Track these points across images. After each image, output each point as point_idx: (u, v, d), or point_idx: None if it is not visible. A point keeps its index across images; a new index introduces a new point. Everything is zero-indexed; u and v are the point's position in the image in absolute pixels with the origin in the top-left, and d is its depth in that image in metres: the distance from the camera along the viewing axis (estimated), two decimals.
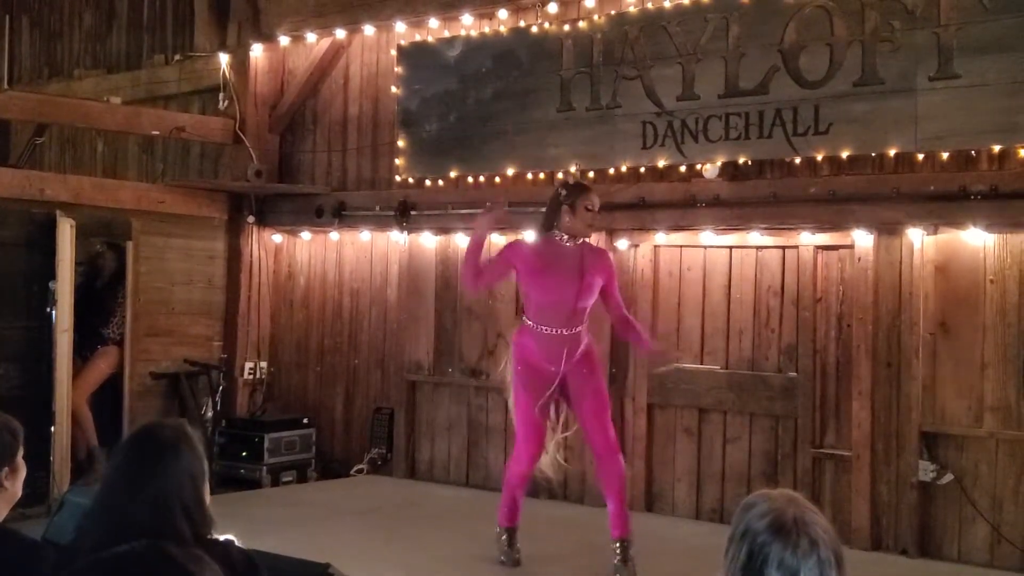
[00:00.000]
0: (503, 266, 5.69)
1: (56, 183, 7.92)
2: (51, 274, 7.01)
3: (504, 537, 5.66)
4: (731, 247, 6.81)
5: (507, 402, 5.91)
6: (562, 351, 5.42)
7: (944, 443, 6.06)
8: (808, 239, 6.50)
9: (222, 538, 2.65)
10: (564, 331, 5.41)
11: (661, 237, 6.99)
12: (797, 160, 6.39)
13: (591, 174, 7.10)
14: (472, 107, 7.68)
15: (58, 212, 7.14)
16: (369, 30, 8.31)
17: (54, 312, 6.99)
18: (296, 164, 8.91)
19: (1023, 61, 5.64)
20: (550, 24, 7.34)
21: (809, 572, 1.99)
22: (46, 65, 11.05)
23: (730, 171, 6.63)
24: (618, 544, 5.38)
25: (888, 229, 6.17)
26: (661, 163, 6.84)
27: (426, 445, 8.08)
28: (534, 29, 7.40)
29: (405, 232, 8.07)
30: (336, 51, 8.65)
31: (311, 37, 8.60)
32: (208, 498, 2.64)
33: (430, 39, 7.96)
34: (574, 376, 5.49)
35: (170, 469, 2.54)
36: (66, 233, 7.06)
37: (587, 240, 5.58)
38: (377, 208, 8.19)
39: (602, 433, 5.43)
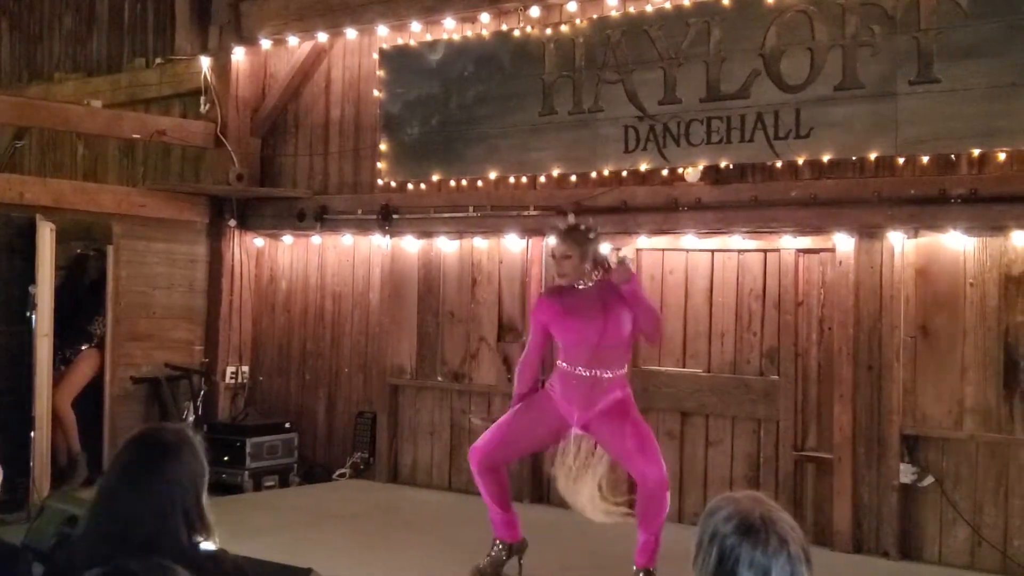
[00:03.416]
0: (539, 332, 5.47)
1: (36, 187, 7.88)
2: (31, 278, 6.97)
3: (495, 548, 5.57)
4: (713, 251, 6.83)
5: None
6: (583, 391, 5.24)
7: (925, 446, 6.08)
8: (789, 242, 6.52)
9: (213, 548, 2.63)
10: (587, 372, 5.24)
11: (643, 241, 7.01)
12: (778, 164, 6.41)
13: (572, 178, 7.11)
14: (454, 111, 7.67)
15: (38, 216, 7.11)
16: (351, 34, 8.30)
17: (34, 316, 6.95)
18: (278, 168, 8.89)
19: (1002, 66, 5.68)
20: (532, 28, 7.35)
21: (781, 569, 2.00)
22: (26, 68, 11.00)
23: (712, 175, 6.65)
24: (641, 572, 5.22)
25: (869, 232, 6.20)
26: (643, 167, 6.85)
27: (408, 449, 8.07)
28: (516, 33, 7.41)
29: (387, 236, 8.06)
30: (318, 55, 8.64)
31: (293, 40, 8.58)
32: (208, 503, 2.62)
33: (412, 43, 7.96)
34: (602, 421, 5.27)
35: (171, 473, 2.53)
36: (46, 237, 7.02)
37: (602, 279, 5.29)
38: (359, 212, 8.18)
39: (651, 469, 5.15)
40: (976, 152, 5.86)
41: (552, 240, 5.52)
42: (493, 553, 5.53)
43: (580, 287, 5.31)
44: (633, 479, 5.35)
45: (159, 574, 2.09)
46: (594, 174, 7.07)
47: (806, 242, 6.48)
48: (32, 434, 6.87)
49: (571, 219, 5.95)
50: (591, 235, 5.33)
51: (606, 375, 5.23)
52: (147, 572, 2.09)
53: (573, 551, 6.03)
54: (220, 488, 7.85)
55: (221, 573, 2.55)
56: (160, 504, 2.48)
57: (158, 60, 9.55)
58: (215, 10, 8.85)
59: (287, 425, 8.38)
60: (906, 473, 6.03)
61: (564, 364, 5.32)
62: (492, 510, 5.52)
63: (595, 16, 7.10)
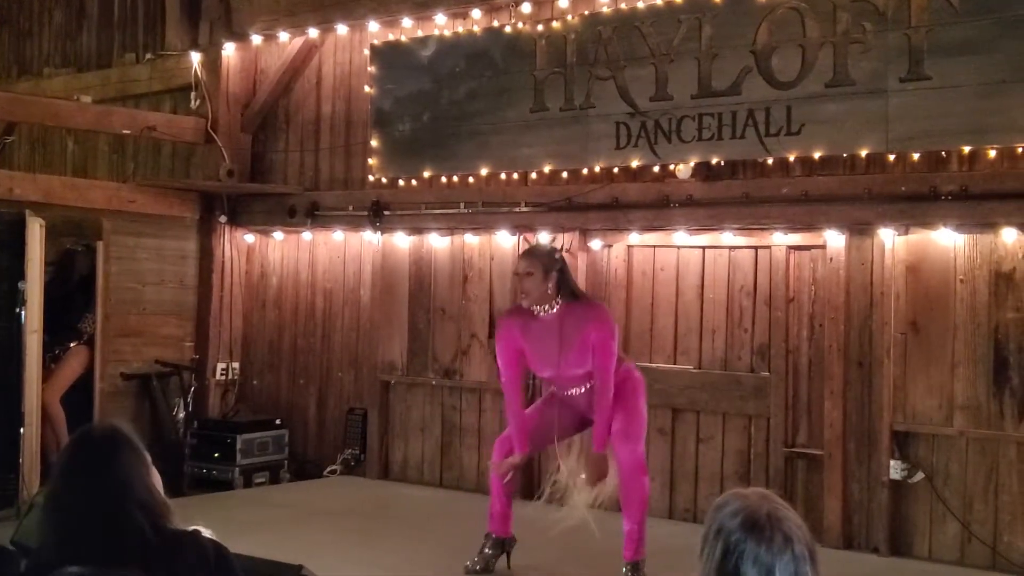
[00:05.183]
0: (512, 362, 5.41)
1: (26, 182, 7.86)
2: (20, 274, 6.93)
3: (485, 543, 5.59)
4: (704, 247, 6.84)
5: None
6: (587, 400, 5.35)
7: (915, 442, 6.10)
8: (781, 239, 6.53)
9: (189, 528, 2.64)
10: (577, 391, 5.37)
11: (635, 237, 7.01)
12: (770, 161, 6.42)
13: (564, 174, 7.11)
14: (445, 107, 7.66)
15: (27, 212, 7.07)
16: (342, 29, 8.28)
17: (23, 313, 6.92)
18: (268, 164, 8.88)
19: (993, 63, 5.69)
20: (524, 24, 7.34)
21: (784, 568, 2.00)
22: (15, 63, 10.94)
23: (703, 171, 6.65)
24: (627, 566, 5.25)
25: (860, 229, 6.21)
26: (634, 163, 6.85)
27: (399, 446, 8.07)
28: (508, 29, 7.40)
29: (378, 232, 8.05)
30: (309, 50, 8.62)
31: (284, 36, 8.56)
32: (160, 486, 2.63)
33: (403, 39, 7.94)
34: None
35: (112, 470, 2.53)
36: (35, 233, 6.99)
37: (571, 304, 5.26)
38: (350, 208, 8.17)
39: (626, 451, 5.23)
40: (966, 149, 5.87)
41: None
42: (486, 550, 5.55)
43: (541, 314, 5.28)
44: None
45: None
46: (585, 170, 7.07)
47: (797, 239, 6.49)
48: (21, 430, 6.85)
49: (536, 239, 5.95)
50: (555, 255, 5.34)
51: (582, 390, 5.35)
52: None
53: (563, 547, 6.01)
54: (211, 484, 7.85)
55: (198, 547, 2.56)
56: (111, 504, 2.49)
57: (148, 56, 9.51)
58: (205, 5, 8.83)
59: (278, 422, 8.38)
60: (896, 469, 6.05)
61: (556, 389, 5.44)
62: (495, 503, 5.54)
63: (586, 12, 7.10)
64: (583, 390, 5.36)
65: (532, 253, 5.41)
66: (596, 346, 5.19)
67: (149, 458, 2.65)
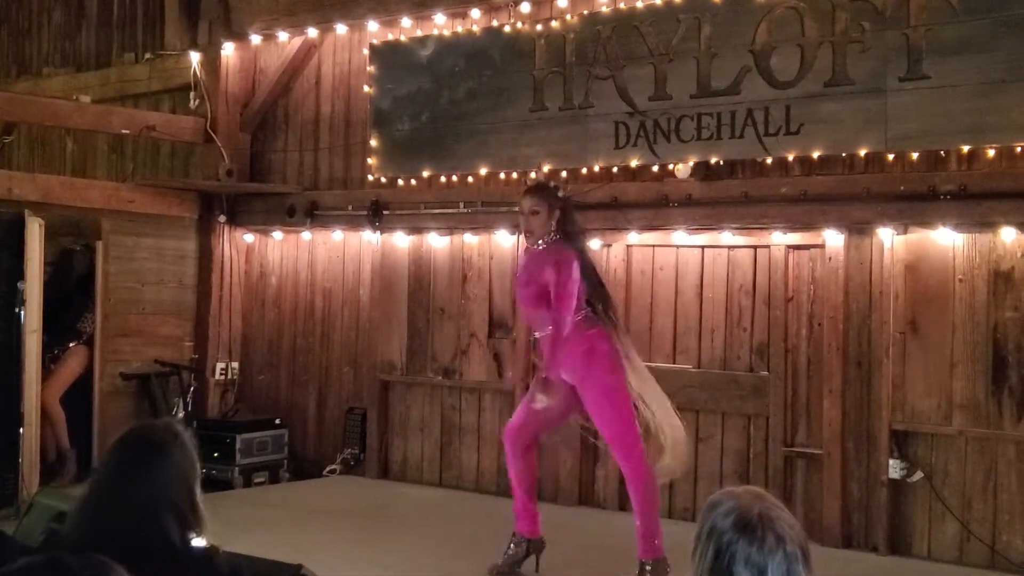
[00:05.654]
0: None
1: (25, 182, 7.86)
2: (19, 274, 6.93)
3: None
4: (703, 247, 6.84)
5: None
6: (544, 352, 5.28)
7: (914, 441, 6.10)
8: (779, 239, 6.53)
9: (205, 546, 2.61)
10: (539, 333, 5.35)
11: (634, 237, 7.01)
12: (769, 160, 6.42)
13: (563, 173, 7.11)
14: (445, 107, 7.67)
15: (26, 212, 7.07)
16: (341, 29, 8.28)
17: (22, 312, 6.92)
18: (268, 163, 8.88)
19: (992, 62, 5.69)
20: (523, 24, 7.34)
21: (776, 568, 2.00)
22: (14, 63, 10.94)
23: (702, 171, 6.65)
24: (638, 565, 5.16)
25: (858, 229, 6.21)
26: (634, 163, 6.85)
27: (399, 445, 8.07)
28: (507, 29, 7.40)
29: (377, 232, 8.05)
30: (308, 50, 8.62)
31: (283, 36, 8.56)
32: (201, 497, 2.61)
33: (403, 38, 7.94)
34: (585, 397, 5.25)
35: (159, 470, 2.52)
36: (35, 233, 6.99)
37: (558, 242, 5.26)
38: (349, 208, 8.17)
39: (628, 465, 5.16)
40: (965, 148, 5.87)
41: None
42: (511, 550, 5.46)
43: (535, 248, 5.32)
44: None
45: (94, 569, 2.05)
46: (584, 170, 7.07)
47: (796, 238, 6.49)
48: (21, 430, 6.85)
49: (540, 176, 5.91)
50: (560, 192, 5.38)
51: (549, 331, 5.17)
52: (81, 567, 2.05)
53: (578, 547, 6.01)
54: (210, 484, 7.75)
55: (217, 573, 2.54)
56: (150, 503, 2.47)
57: (147, 55, 9.51)
58: (205, 5, 8.83)
59: (277, 421, 8.37)
60: (895, 468, 6.05)
61: (535, 332, 5.42)
62: (518, 499, 5.46)
63: (586, 12, 7.10)
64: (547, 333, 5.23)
65: (538, 190, 5.36)
66: (549, 283, 5.12)
67: (198, 466, 2.63)
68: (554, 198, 5.29)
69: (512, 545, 5.48)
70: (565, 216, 5.31)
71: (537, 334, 5.41)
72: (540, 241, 5.30)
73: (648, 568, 5.14)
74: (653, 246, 7.01)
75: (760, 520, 2.03)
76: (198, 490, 2.59)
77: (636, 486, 5.19)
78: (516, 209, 5.59)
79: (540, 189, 5.39)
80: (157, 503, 2.47)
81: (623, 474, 5.28)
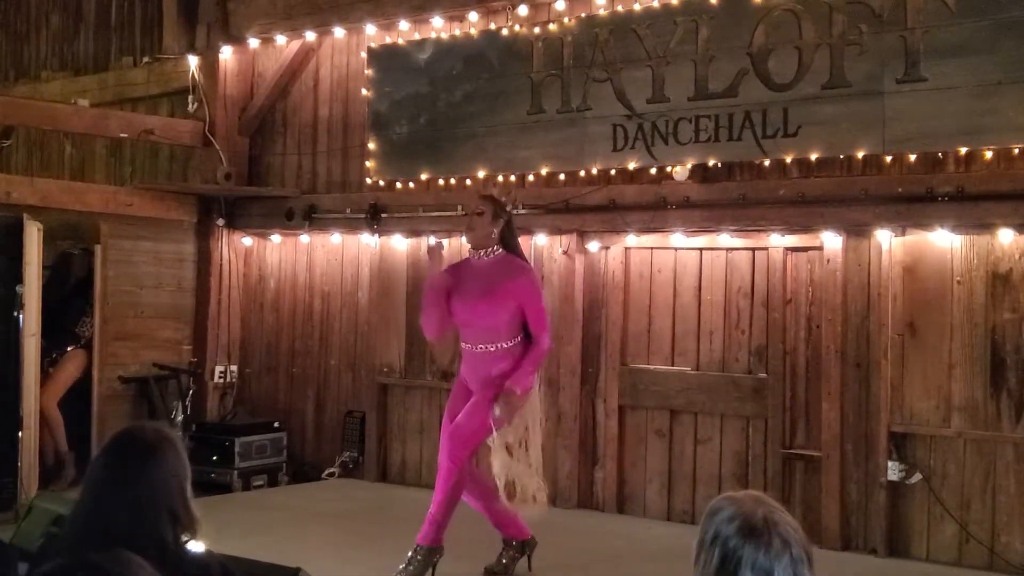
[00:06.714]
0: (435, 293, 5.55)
1: (23, 186, 7.85)
2: (18, 278, 6.93)
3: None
4: (701, 249, 6.84)
5: None
6: (472, 364, 5.44)
7: (912, 443, 6.10)
8: (778, 241, 6.53)
9: (199, 547, 2.61)
10: (473, 347, 5.42)
11: (632, 239, 7.01)
12: (766, 162, 6.42)
13: (561, 176, 7.10)
14: (443, 109, 7.67)
15: (25, 215, 7.07)
16: (339, 32, 8.29)
17: (21, 316, 6.92)
18: (266, 167, 8.88)
19: (989, 64, 5.70)
20: (520, 26, 7.35)
21: (783, 571, 2.00)
22: (12, 67, 10.96)
23: (700, 173, 6.66)
24: (414, 547, 5.38)
25: (856, 231, 6.21)
26: (631, 165, 6.86)
27: (398, 448, 8.07)
28: (504, 31, 7.41)
29: (376, 235, 8.06)
30: (306, 53, 8.62)
31: (281, 39, 8.57)
32: (193, 499, 2.61)
33: (400, 41, 7.95)
34: (483, 383, 5.42)
35: (152, 472, 2.52)
36: (33, 236, 6.99)
37: (507, 255, 5.41)
38: (348, 211, 8.17)
39: (462, 424, 5.37)
40: (963, 150, 5.88)
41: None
42: (505, 555, 5.55)
43: (477, 260, 5.44)
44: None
45: (122, 566, 2.07)
46: (582, 173, 7.08)
47: (794, 240, 6.49)
48: (20, 434, 6.85)
49: (494, 191, 6.00)
50: (507, 207, 5.53)
51: (490, 348, 5.37)
52: (109, 564, 2.06)
53: (576, 550, 6.01)
54: (209, 488, 7.83)
55: (208, 574, 2.54)
56: (143, 504, 2.47)
57: (146, 59, 9.52)
58: (203, 9, 8.84)
59: (276, 424, 8.37)
60: (894, 470, 6.05)
61: (464, 345, 5.51)
62: (492, 513, 5.53)
63: (583, 15, 7.11)
64: (492, 349, 5.37)
65: (488, 197, 5.56)
66: (524, 304, 5.32)
67: (189, 468, 2.64)
68: (501, 208, 5.46)
69: (505, 551, 5.56)
70: (508, 228, 5.48)
71: (471, 347, 5.45)
72: (483, 251, 5.43)
73: (420, 552, 5.32)
74: (651, 248, 7.02)
75: (765, 524, 2.03)
76: (190, 492, 2.59)
77: (448, 481, 5.34)
78: (466, 208, 5.71)
79: (490, 196, 5.58)
80: (149, 504, 2.47)
81: (439, 464, 5.42)
